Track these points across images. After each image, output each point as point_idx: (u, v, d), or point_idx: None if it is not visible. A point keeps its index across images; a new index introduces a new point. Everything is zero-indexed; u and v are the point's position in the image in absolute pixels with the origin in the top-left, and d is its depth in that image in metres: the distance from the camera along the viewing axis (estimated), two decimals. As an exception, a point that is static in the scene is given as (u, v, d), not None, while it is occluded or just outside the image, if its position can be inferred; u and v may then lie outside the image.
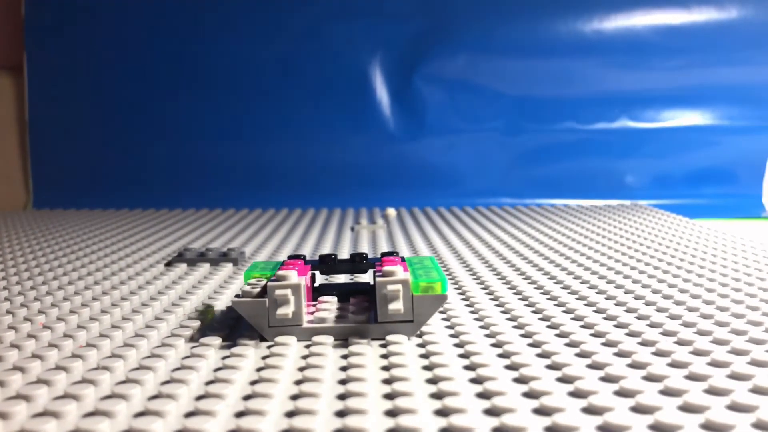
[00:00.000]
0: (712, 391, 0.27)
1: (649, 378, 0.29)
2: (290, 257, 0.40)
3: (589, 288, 0.45)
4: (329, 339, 0.33)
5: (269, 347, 0.33)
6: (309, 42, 0.98)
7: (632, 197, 0.96)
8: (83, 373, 0.29)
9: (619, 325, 0.36)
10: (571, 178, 0.98)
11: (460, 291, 0.44)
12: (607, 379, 0.29)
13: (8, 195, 0.98)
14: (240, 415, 0.25)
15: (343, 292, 0.39)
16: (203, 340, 0.33)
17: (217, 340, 0.33)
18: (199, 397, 0.27)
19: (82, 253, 0.58)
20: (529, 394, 0.27)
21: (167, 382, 0.28)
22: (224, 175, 0.99)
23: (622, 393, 0.27)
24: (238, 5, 0.98)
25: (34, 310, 0.39)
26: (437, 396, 0.27)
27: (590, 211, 0.87)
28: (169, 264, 0.53)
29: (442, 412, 0.25)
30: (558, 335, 0.35)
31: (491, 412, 0.25)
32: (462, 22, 0.98)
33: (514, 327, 0.36)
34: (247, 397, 0.27)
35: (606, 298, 0.42)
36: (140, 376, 0.28)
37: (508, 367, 0.30)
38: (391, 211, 0.84)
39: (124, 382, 0.28)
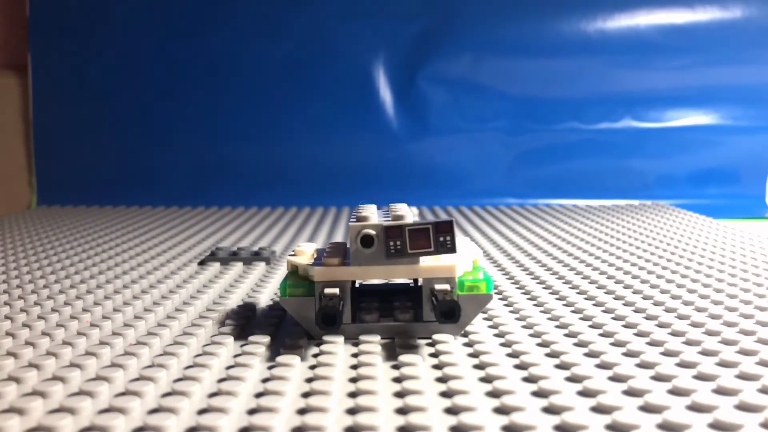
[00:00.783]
0: None
1: (720, 391, 0.28)
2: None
3: (624, 288, 0.45)
4: (376, 337, 0.34)
5: (318, 345, 0.33)
6: (312, 42, 0.98)
7: (635, 197, 0.97)
8: (139, 370, 0.29)
9: (662, 325, 0.37)
10: (574, 178, 0.98)
11: (496, 290, 0.45)
12: (659, 377, 0.29)
13: (12, 196, 0.97)
14: (302, 411, 0.26)
15: (383, 293, 0.39)
16: (252, 338, 0.34)
17: (265, 339, 0.34)
18: (258, 395, 0.27)
19: (114, 252, 0.58)
20: (584, 393, 0.28)
21: (224, 379, 0.29)
22: (225, 175, 0.98)
23: (675, 392, 0.28)
24: (242, 5, 0.98)
25: (78, 309, 0.40)
26: (493, 395, 0.27)
27: (611, 210, 0.87)
28: (202, 263, 0.54)
29: (500, 410, 0.26)
30: (602, 335, 0.35)
31: (549, 410, 0.26)
32: (465, 22, 0.98)
33: (557, 326, 0.37)
34: (305, 395, 0.27)
35: (645, 299, 0.43)
36: (197, 374, 0.29)
37: (558, 366, 0.31)
38: (413, 211, 0.84)
39: (180, 379, 0.28)
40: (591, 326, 0.37)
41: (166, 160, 0.98)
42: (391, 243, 0.33)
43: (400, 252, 0.33)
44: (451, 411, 0.26)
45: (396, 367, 0.30)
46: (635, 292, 0.44)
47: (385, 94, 0.98)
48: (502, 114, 0.99)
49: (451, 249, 0.32)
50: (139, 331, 0.36)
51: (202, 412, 0.26)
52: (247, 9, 0.98)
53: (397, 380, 0.29)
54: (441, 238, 0.32)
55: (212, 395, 0.27)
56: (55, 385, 0.27)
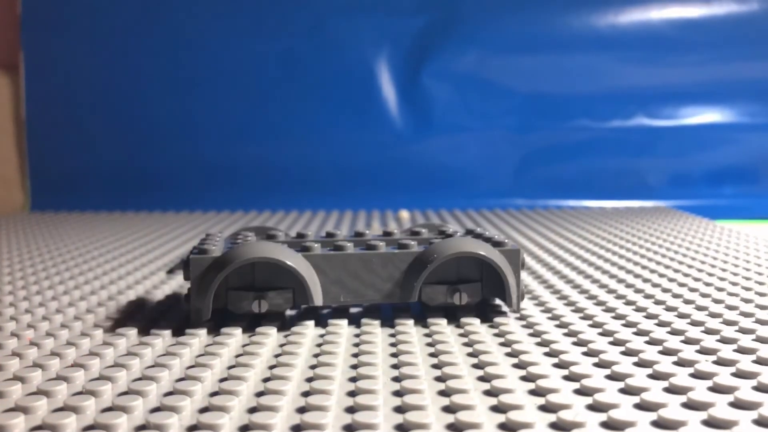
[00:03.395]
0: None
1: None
2: None
3: (616, 298, 0.41)
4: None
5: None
6: (313, 37, 0.95)
7: (649, 198, 0.93)
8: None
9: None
10: (584, 178, 0.95)
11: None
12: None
13: (5, 198, 0.95)
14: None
15: None
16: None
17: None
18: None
19: (91, 256, 0.55)
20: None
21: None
22: (224, 176, 0.95)
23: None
24: (239, -1, 0.95)
25: (38, 316, 0.36)
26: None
27: (615, 214, 0.83)
28: (171, 271, 0.50)
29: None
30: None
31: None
32: (471, 16, 0.95)
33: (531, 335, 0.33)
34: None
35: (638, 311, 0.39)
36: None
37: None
38: (404, 214, 0.80)
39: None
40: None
41: (161, 162, 0.95)
42: None
43: None
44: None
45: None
46: (627, 303, 0.39)
47: (389, 91, 0.95)
48: (509, 112, 0.95)
49: None
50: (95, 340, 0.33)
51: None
52: (244, 3, 0.95)
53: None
54: None
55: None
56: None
